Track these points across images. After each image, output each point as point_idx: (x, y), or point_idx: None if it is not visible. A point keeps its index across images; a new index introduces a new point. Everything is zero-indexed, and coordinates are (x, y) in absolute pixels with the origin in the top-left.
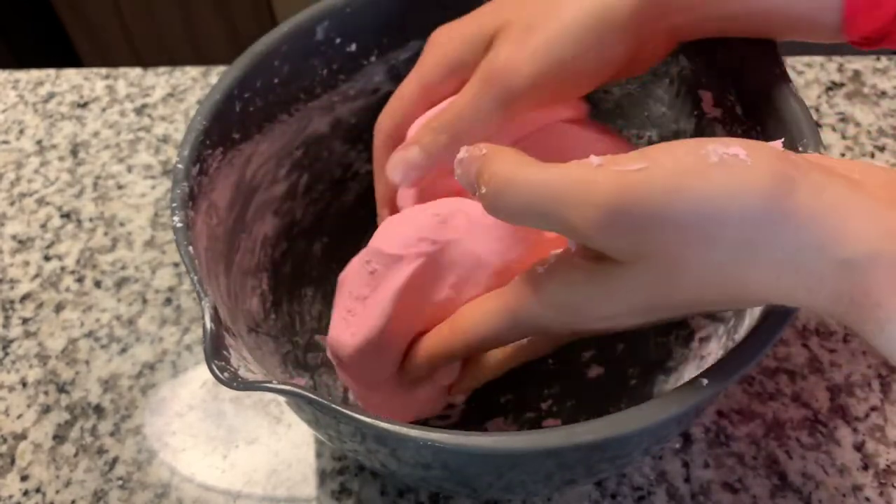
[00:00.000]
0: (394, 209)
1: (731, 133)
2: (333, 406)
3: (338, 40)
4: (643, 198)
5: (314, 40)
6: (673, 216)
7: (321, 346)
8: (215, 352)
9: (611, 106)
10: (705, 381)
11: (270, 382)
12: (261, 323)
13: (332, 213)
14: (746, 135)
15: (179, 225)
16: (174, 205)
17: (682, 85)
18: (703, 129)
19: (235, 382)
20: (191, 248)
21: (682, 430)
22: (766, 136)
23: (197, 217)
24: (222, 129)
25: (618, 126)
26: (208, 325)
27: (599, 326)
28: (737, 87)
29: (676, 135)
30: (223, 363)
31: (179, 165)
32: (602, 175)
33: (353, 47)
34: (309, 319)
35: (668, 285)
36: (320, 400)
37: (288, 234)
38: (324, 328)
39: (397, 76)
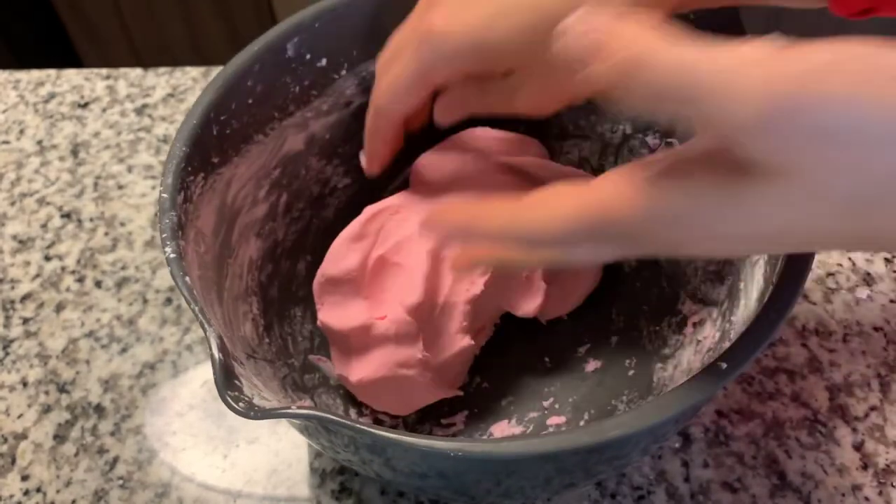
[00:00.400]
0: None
1: None
2: (357, 426)
3: (308, 56)
4: (819, 100)
5: (285, 57)
6: (848, 128)
7: (316, 367)
8: (227, 382)
9: (582, 102)
10: (724, 365)
11: (288, 408)
12: (256, 349)
13: (314, 231)
14: None
15: (173, 255)
16: (164, 235)
17: None
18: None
19: (252, 412)
20: (187, 278)
21: (680, 429)
22: None
23: (187, 246)
24: (202, 154)
25: (591, 121)
26: (216, 355)
27: (701, 249)
28: None
29: (650, 125)
30: (236, 393)
31: (164, 195)
32: (773, 63)
33: (324, 62)
34: (301, 340)
35: (808, 211)
36: (344, 421)
37: (272, 255)
38: (316, 348)
39: (368, 88)
